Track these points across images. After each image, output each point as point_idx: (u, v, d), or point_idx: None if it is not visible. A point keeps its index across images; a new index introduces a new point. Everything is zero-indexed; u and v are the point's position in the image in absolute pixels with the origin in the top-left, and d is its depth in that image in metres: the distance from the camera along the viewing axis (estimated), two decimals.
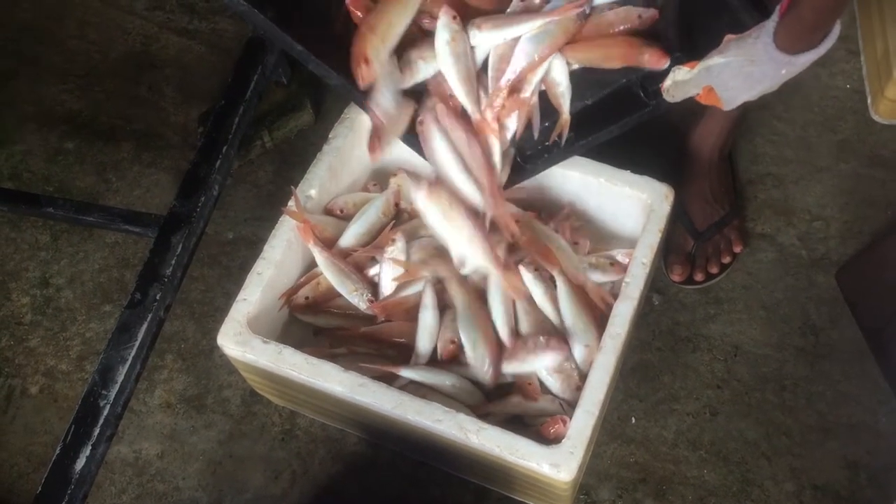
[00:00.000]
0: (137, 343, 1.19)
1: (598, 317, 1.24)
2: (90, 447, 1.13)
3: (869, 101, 1.61)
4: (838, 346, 1.40)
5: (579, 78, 1.13)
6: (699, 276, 1.45)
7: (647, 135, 1.59)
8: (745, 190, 1.55)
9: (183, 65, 1.80)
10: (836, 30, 0.94)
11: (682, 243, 1.46)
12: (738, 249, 1.47)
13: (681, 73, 1.06)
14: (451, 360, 1.24)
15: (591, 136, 1.19)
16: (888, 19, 1.56)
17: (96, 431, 1.14)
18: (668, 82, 1.08)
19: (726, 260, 1.46)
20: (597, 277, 1.28)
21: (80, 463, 1.12)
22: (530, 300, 1.26)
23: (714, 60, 1.01)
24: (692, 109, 1.51)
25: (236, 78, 1.40)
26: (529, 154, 1.20)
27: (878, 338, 1.37)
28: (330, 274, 1.30)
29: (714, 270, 1.46)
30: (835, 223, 1.51)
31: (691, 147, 1.49)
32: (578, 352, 1.24)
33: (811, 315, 1.43)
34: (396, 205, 1.40)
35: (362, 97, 1.09)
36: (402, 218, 1.39)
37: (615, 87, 1.14)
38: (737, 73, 1.01)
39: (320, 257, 1.30)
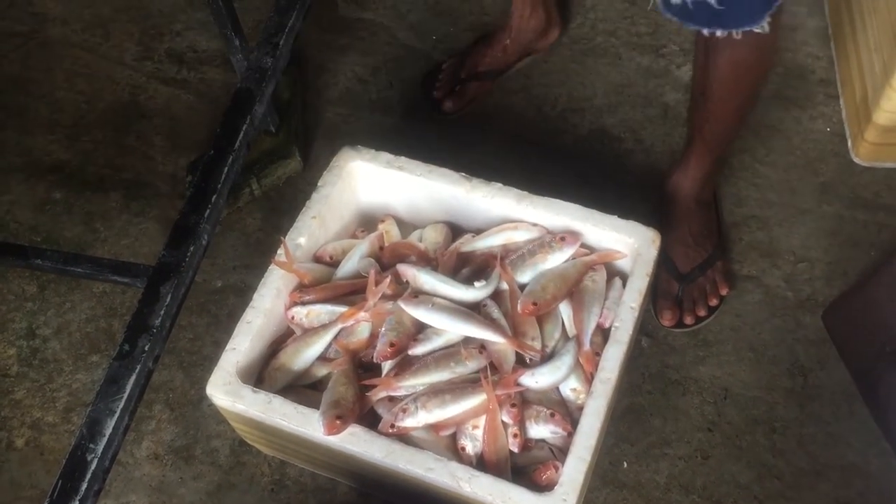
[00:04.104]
0: (126, 395, 1.18)
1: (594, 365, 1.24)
2: (77, 503, 1.11)
3: (849, 143, 1.64)
4: (827, 388, 1.41)
5: None
6: (689, 320, 1.46)
7: (635, 178, 1.63)
8: (730, 232, 1.57)
9: (171, 114, 1.81)
10: None
11: (668, 288, 1.47)
12: (724, 292, 1.48)
13: None
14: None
15: None
16: (865, 64, 1.59)
17: (84, 486, 1.11)
18: None
19: (713, 303, 1.47)
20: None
21: None
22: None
23: None
24: (676, 155, 1.54)
25: (225, 127, 1.40)
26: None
27: (865, 379, 1.37)
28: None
29: (702, 313, 1.47)
30: (819, 264, 1.53)
31: (670, 192, 1.51)
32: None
33: (799, 356, 1.44)
34: (381, 248, 1.41)
35: None
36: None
37: None
38: None
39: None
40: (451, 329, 1.24)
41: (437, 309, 1.25)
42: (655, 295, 1.47)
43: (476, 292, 1.28)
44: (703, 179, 1.47)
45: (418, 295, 1.27)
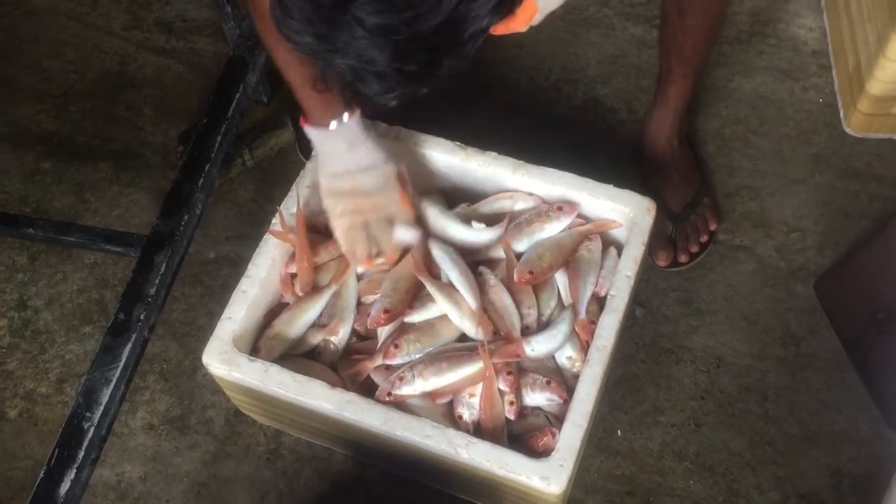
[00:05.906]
0: (122, 364, 1.18)
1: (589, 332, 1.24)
2: (75, 470, 1.11)
3: (841, 114, 1.64)
4: (818, 356, 1.42)
5: None
6: (683, 258, 1.48)
7: (628, 149, 1.63)
8: (723, 203, 1.57)
9: (161, 84, 1.80)
10: None
11: (661, 229, 1.49)
12: (713, 227, 1.51)
13: None
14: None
15: None
16: (859, 34, 1.59)
17: (81, 454, 1.12)
18: None
19: (704, 238, 1.50)
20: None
21: (64, 487, 1.10)
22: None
23: None
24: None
25: (218, 96, 1.39)
26: None
27: (856, 347, 1.39)
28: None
29: (695, 250, 1.49)
30: (811, 234, 1.54)
31: (651, 138, 1.53)
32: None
33: (791, 325, 1.45)
34: None
35: None
36: None
37: None
38: None
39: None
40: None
41: (452, 258, 1.27)
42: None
43: (485, 233, 1.30)
44: (683, 111, 1.50)
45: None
